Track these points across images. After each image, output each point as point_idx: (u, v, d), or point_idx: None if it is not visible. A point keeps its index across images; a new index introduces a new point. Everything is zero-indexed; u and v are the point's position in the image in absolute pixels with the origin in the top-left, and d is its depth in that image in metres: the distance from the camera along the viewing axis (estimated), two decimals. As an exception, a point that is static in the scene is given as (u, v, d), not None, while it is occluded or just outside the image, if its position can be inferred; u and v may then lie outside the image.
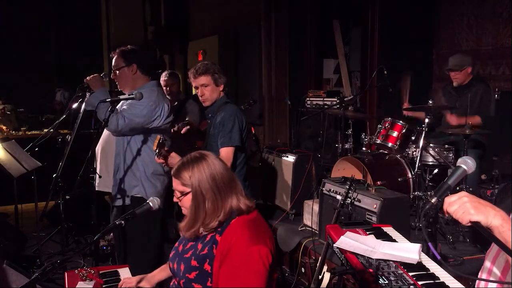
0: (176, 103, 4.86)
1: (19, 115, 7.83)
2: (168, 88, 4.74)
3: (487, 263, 1.61)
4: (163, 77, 4.78)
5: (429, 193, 4.04)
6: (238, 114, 3.35)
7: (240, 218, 1.92)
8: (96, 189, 3.19)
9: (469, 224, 1.36)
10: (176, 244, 2.11)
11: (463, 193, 1.41)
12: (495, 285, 1.55)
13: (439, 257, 1.63)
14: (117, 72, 3.24)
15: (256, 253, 1.81)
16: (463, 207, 1.37)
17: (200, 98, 3.44)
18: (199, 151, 2.05)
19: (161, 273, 2.26)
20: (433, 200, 1.45)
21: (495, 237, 1.34)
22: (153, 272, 2.28)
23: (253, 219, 1.95)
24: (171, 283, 2.11)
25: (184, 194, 1.95)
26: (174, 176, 1.98)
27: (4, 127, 7.07)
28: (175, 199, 2.02)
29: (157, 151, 2.83)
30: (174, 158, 2.78)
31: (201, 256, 1.91)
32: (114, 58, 3.26)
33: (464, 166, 1.51)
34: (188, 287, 1.92)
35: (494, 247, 1.61)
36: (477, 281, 1.63)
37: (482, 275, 1.62)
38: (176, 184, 1.98)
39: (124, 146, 3.20)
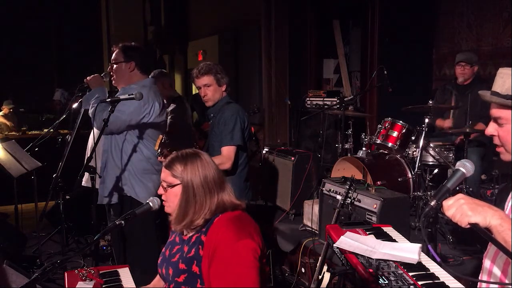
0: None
1: (19, 115, 7.87)
2: None
3: (487, 263, 1.61)
4: None
5: (429, 193, 4.04)
6: (240, 113, 3.34)
7: (222, 216, 1.92)
8: (83, 184, 3.20)
9: (468, 226, 1.36)
10: (163, 250, 2.10)
11: (460, 195, 1.41)
12: (496, 286, 1.54)
13: (438, 259, 1.63)
14: (115, 66, 3.25)
15: (243, 248, 1.81)
16: (460, 209, 1.37)
17: (202, 98, 3.43)
18: (193, 148, 2.06)
19: (160, 281, 2.24)
20: (432, 203, 1.44)
21: (494, 239, 1.34)
22: (153, 282, 2.27)
23: (236, 215, 1.95)
24: None
25: (171, 185, 1.95)
26: (166, 167, 1.98)
27: (9, 123, 7.12)
28: (160, 191, 2.01)
29: (159, 150, 2.83)
30: None
31: (188, 258, 1.91)
32: (115, 52, 3.26)
33: (462, 169, 1.50)
34: None
35: (492, 246, 1.61)
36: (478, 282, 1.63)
37: (483, 276, 1.61)
38: (165, 175, 1.97)
39: (112, 144, 3.19)
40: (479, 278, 1.63)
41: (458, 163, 1.53)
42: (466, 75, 4.49)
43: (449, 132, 4.48)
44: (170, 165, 1.97)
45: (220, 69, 3.40)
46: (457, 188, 3.90)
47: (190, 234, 1.96)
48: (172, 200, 1.97)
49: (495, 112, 1.55)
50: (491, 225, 1.35)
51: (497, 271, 1.55)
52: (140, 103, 3.04)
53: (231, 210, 1.95)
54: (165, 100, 4.77)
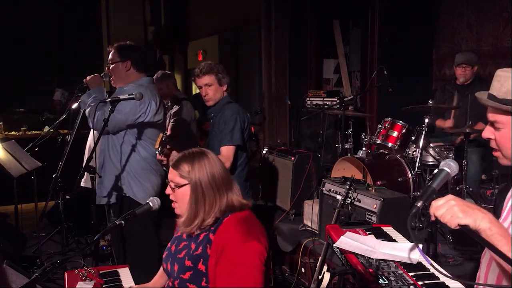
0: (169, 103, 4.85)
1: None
2: None
3: (483, 269, 1.60)
4: None
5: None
6: (240, 113, 3.33)
7: (232, 216, 1.92)
8: (82, 184, 3.19)
9: (458, 227, 1.35)
10: (169, 245, 2.09)
11: (450, 196, 1.39)
12: None
13: (430, 262, 1.62)
14: (111, 66, 3.25)
15: (251, 249, 1.81)
16: (450, 210, 1.35)
17: (203, 97, 3.43)
18: (200, 147, 2.05)
19: (161, 278, 2.25)
20: (419, 204, 1.42)
21: (485, 240, 1.32)
22: (153, 279, 2.28)
23: (245, 217, 1.95)
24: (165, 284, 2.10)
25: (179, 186, 1.94)
26: (173, 167, 1.96)
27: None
28: (168, 191, 2.00)
29: (159, 149, 2.83)
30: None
31: (195, 256, 1.90)
32: (111, 52, 3.26)
33: (447, 169, 1.48)
34: (182, 287, 1.92)
35: (488, 251, 1.60)
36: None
37: (479, 281, 1.61)
38: (173, 176, 1.96)
39: (109, 144, 3.19)
40: (476, 279, 1.63)
41: (442, 163, 1.51)
42: (467, 76, 4.49)
43: (449, 132, 4.48)
44: (177, 165, 1.95)
45: (222, 69, 3.40)
46: (457, 188, 3.91)
47: (198, 232, 1.96)
48: (181, 200, 1.96)
49: (491, 116, 1.52)
50: (480, 228, 1.33)
51: (492, 275, 1.54)
52: (136, 103, 3.03)
53: (239, 209, 1.95)
54: (169, 102, 4.81)
